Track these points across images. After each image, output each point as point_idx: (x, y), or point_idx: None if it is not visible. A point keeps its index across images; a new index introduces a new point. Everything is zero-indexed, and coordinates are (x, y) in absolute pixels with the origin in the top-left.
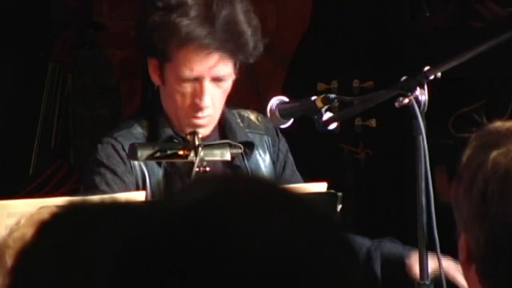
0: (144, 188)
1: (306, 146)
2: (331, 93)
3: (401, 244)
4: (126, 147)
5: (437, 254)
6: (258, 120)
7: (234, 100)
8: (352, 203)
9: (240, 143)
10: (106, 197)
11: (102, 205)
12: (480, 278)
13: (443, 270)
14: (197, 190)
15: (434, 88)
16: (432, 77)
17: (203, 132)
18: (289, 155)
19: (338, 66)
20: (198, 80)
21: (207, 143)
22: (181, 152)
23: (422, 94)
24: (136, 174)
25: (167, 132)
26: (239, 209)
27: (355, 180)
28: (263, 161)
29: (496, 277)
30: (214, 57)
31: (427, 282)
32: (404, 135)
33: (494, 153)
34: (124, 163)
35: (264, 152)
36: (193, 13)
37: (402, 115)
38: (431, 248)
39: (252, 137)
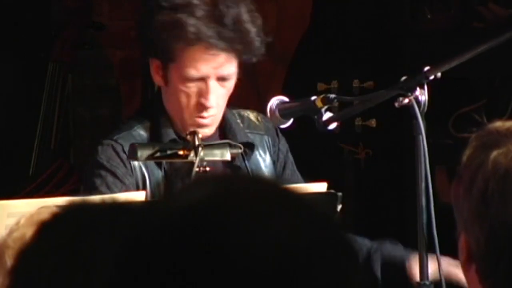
0: (144, 189)
1: (306, 146)
2: (331, 93)
3: (401, 246)
4: (126, 149)
5: (436, 254)
6: (258, 120)
7: (234, 100)
8: (352, 203)
9: (240, 143)
10: (106, 197)
11: (102, 205)
12: (480, 278)
13: (442, 271)
14: (197, 190)
15: (434, 88)
16: (432, 77)
17: (207, 131)
18: (289, 155)
19: (338, 66)
20: (203, 79)
21: (207, 143)
22: (181, 152)
23: (422, 94)
24: (136, 175)
25: (169, 134)
26: (239, 209)
27: (355, 180)
28: (263, 161)
29: (496, 277)
30: (221, 57)
31: (427, 282)
32: (404, 135)
33: (494, 153)
34: (125, 165)
35: (264, 152)
36: (199, 12)
37: (402, 115)
38: (431, 248)
39: (252, 137)
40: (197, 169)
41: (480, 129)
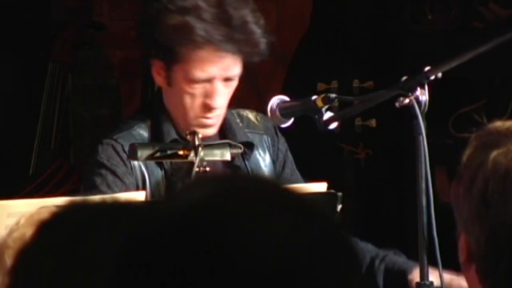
0: (144, 188)
1: (306, 146)
2: (331, 93)
3: (404, 256)
4: (127, 149)
5: (436, 254)
6: (257, 120)
7: (234, 100)
8: (352, 203)
9: (240, 143)
10: (106, 197)
11: (102, 205)
12: (480, 278)
13: (442, 271)
14: (197, 190)
15: (434, 88)
16: (432, 77)
17: (211, 131)
18: (289, 154)
19: (338, 66)
20: (209, 80)
21: (207, 143)
22: (181, 152)
23: (423, 94)
24: (136, 175)
25: (171, 134)
26: (239, 209)
27: (355, 180)
28: (263, 160)
29: (496, 277)
30: (228, 59)
31: (427, 282)
32: (404, 135)
33: (494, 153)
34: (125, 164)
35: (264, 152)
36: (207, 15)
37: (402, 115)
38: (431, 248)
39: (252, 137)
40: (197, 169)
41: (480, 129)
